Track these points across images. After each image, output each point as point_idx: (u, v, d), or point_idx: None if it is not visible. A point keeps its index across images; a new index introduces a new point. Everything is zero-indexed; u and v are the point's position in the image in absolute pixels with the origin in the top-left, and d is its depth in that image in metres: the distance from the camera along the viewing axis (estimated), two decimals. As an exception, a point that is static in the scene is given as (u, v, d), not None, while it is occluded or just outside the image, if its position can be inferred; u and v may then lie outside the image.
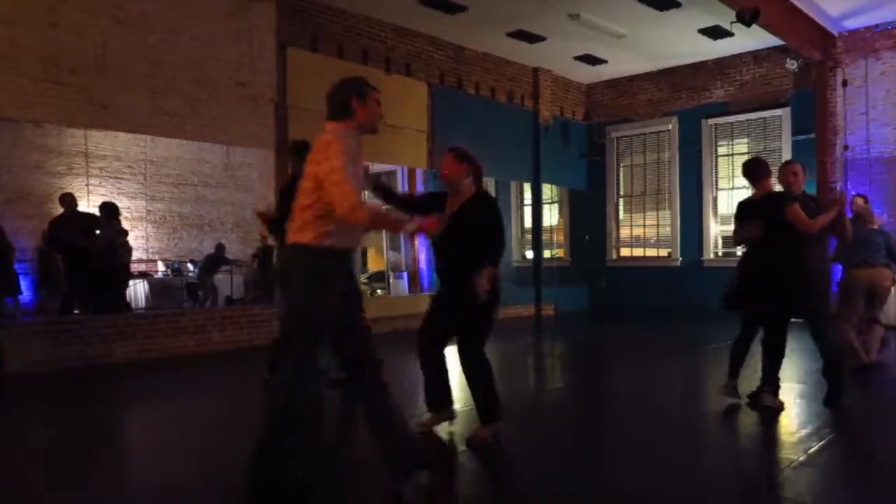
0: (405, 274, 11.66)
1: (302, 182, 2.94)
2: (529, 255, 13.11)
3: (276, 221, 4.95)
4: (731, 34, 9.64)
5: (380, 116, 3.09)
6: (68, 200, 8.34)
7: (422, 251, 11.72)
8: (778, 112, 10.81)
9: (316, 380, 3.33)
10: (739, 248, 5.45)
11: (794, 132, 10.51)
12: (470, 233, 3.73)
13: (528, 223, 13.44)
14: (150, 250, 12.70)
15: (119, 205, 9.59)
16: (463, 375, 3.89)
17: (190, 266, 12.72)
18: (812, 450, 3.78)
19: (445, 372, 4.07)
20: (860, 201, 6.48)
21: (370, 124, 3.04)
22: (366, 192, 3.72)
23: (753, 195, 4.79)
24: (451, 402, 4.13)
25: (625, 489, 3.31)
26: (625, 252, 12.91)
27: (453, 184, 3.89)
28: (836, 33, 10.07)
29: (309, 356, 2.95)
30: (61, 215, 8.32)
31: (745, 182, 4.93)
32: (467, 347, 3.86)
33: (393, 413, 3.10)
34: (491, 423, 3.88)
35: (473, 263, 3.68)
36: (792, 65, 10.31)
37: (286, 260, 3.10)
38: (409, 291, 11.28)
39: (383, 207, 4.23)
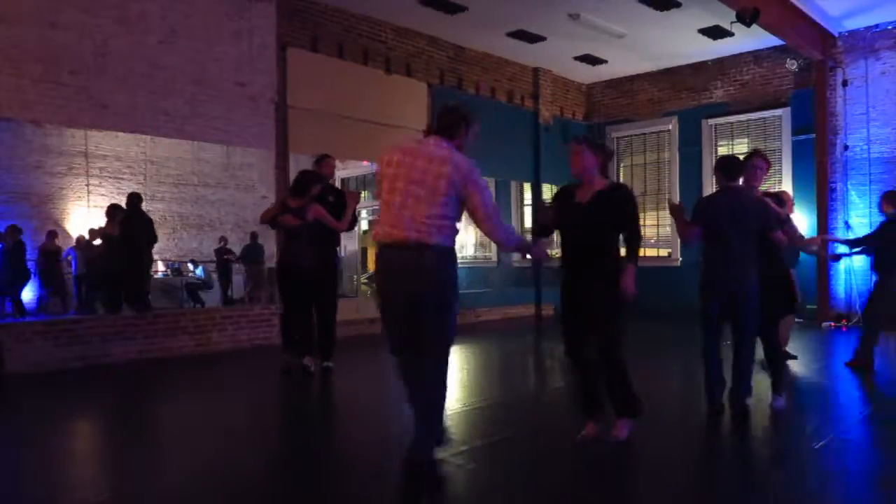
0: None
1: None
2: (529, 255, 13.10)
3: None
4: (731, 34, 9.64)
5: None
6: (137, 199, 8.69)
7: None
8: (778, 112, 10.80)
9: None
10: None
11: (794, 132, 10.51)
12: (604, 224, 3.73)
13: (528, 223, 13.43)
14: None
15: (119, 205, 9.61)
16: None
17: (190, 266, 12.74)
18: (811, 450, 3.79)
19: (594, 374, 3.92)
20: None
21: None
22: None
23: None
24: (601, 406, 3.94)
25: (624, 489, 3.31)
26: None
27: (583, 177, 3.82)
28: (836, 33, 10.07)
29: None
30: (132, 213, 8.47)
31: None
32: (611, 346, 3.76)
33: None
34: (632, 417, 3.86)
35: (609, 256, 3.76)
36: (792, 65, 10.31)
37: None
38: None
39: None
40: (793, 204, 6.70)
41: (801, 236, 4.75)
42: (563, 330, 3.93)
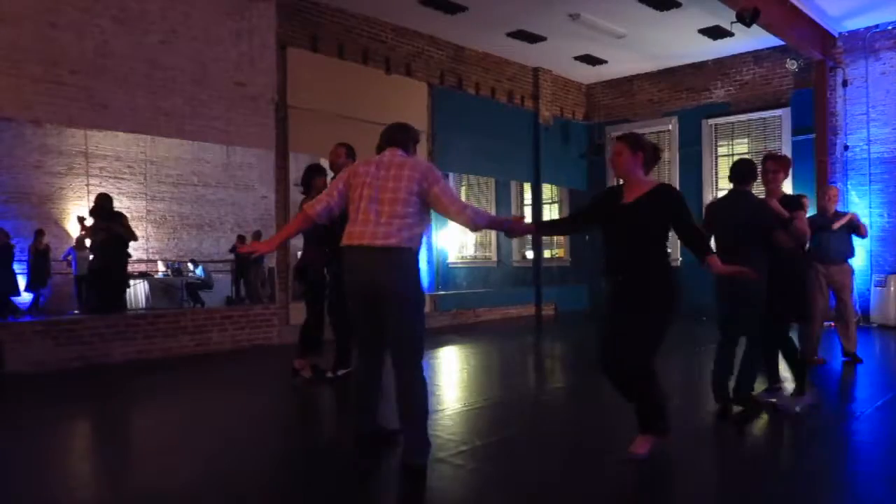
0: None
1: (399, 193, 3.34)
2: (529, 254, 13.11)
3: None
4: (731, 34, 9.64)
5: None
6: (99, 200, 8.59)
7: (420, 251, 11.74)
8: (778, 112, 10.80)
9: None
10: None
11: (794, 132, 10.51)
12: (649, 229, 3.48)
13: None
14: (150, 250, 12.69)
15: (119, 205, 9.60)
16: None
17: (190, 266, 12.73)
18: (812, 450, 3.79)
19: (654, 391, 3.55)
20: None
21: None
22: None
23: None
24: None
25: (624, 489, 3.31)
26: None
27: (626, 177, 3.61)
28: (836, 33, 10.07)
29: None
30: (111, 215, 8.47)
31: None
32: (640, 355, 3.46)
33: None
34: (658, 435, 3.55)
35: (655, 264, 3.50)
36: (792, 65, 10.31)
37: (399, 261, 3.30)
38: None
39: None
40: (832, 199, 6.67)
41: (804, 235, 4.67)
42: (601, 345, 3.60)
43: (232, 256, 12.41)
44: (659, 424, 3.53)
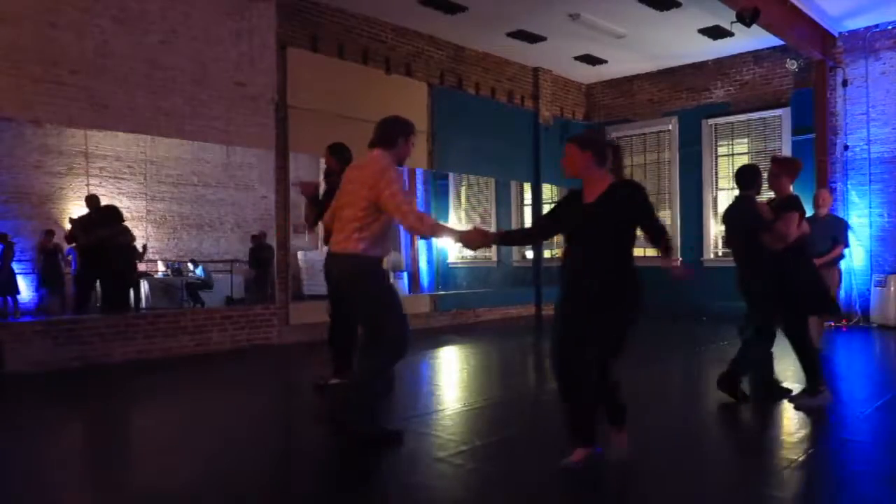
0: (405, 273, 11.67)
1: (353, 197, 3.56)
2: (529, 254, 13.10)
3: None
4: (731, 34, 9.64)
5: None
6: (95, 201, 8.84)
7: (420, 251, 11.73)
8: (778, 112, 10.80)
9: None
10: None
11: (794, 132, 10.50)
12: (612, 227, 3.33)
13: (528, 223, 13.43)
14: (151, 250, 12.70)
15: (119, 205, 9.61)
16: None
17: (190, 266, 12.73)
18: (812, 450, 3.78)
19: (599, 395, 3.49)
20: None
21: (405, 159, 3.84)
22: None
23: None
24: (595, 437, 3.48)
25: (624, 488, 3.31)
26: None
27: (580, 177, 3.51)
28: (836, 33, 10.07)
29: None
30: (88, 215, 8.52)
31: None
32: (612, 364, 3.44)
33: None
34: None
35: (618, 267, 3.37)
36: (792, 65, 10.31)
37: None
38: (409, 291, 11.29)
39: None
40: (825, 202, 6.87)
41: (785, 236, 4.61)
42: (557, 349, 3.45)
43: (230, 256, 12.41)
44: (624, 415, 3.55)
